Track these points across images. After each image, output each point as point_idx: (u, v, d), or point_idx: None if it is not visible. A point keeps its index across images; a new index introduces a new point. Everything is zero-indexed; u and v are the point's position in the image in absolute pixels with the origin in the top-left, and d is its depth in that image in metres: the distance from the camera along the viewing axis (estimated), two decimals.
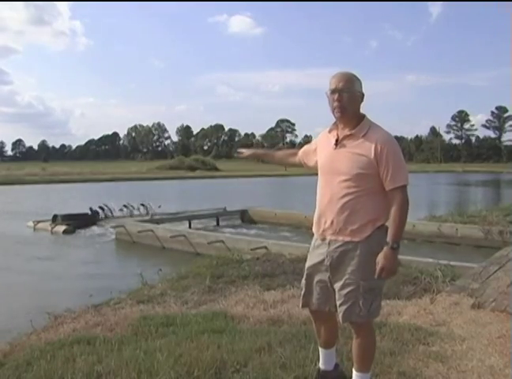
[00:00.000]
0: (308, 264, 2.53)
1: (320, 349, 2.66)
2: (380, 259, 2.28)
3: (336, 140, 2.43)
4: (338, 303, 2.37)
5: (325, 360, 2.64)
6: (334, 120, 2.48)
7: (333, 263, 2.38)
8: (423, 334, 3.54)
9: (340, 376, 2.65)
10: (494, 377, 2.86)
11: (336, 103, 2.38)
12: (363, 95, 2.43)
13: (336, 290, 2.38)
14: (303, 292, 2.55)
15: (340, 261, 2.37)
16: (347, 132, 2.40)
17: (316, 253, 2.48)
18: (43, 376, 2.93)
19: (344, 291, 2.35)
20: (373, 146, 2.31)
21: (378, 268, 2.27)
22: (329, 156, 2.45)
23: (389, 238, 2.28)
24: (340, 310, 2.37)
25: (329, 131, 2.51)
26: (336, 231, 2.38)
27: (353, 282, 2.33)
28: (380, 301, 2.44)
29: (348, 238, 2.36)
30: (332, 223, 2.39)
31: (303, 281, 2.55)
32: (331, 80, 2.40)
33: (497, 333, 3.55)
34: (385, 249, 2.28)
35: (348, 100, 2.36)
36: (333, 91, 2.38)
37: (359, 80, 2.43)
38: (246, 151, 2.98)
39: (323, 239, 2.44)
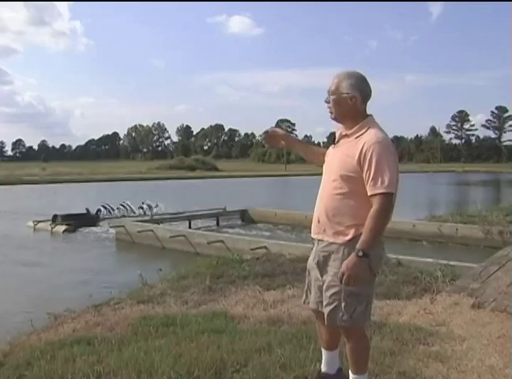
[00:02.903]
0: (308, 262, 2.54)
1: (322, 350, 2.64)
2: (343, 264, 2.22)
3: (334, 140, 2.44)
4: (324, 304, 2.35)
5: (327, 362, 2.60)
6: None
7: (320, 262, 2.38)
8: (423, 334, 3.53)
9: None
10: (494, 377, 2.86)
11: (326, 105, 2.41)
12: (353, 96, 2.31)
13: (324, 290, 2.37)
14: (305, 288, 2.57)
15: (325, 261, 2.36)
16: (344, 132, 2.40)
17: (312, 251, 2.50)
18: (43, 376, 2.93)
19: (328, 293, 2.33)
20: (359, 148, 2.25)
21: (340, 272, 2.22)
22: (328, 156, 2.48)
23: (358, 244, 2.19)
24: (325, 311, 2.34)
25: (337, 129, 2.51)
26: (321, 231, 2.38)
27: (336, 284, 2.29)
28: (366, 307, 2.33)
29: (331, 239, 2.33)
30: (318, 222, 2.39)
31: (306, 278, 2.57)
32: None
33: (497, 333, 3.55)
34: (351, 255, 2.20)
35: (333, 103, 2.37)
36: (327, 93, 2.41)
37: (351, 79, 2.33)
38: (279, 132, 2.70)
39: (313, 238, 2.46)
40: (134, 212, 15.59)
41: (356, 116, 2.36)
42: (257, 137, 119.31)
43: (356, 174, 2.26)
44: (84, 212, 14.94)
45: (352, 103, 2.34)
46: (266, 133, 2.68)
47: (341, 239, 2.30)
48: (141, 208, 15.92)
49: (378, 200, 2.20)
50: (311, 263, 2.47)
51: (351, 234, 2.29)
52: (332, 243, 2.33)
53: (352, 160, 2.27)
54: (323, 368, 2.62)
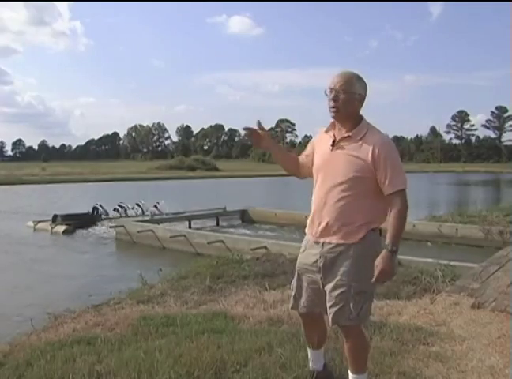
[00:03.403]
0: (299, 265, 2.51)
1: (309, 349, 2.67)
2: (378, 262, 2.23)
3: (333, 142, 2.39)
4: (328, 305, 2.34)
5: (315, 360, 2.66)
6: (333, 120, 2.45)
7: (326, 264, 2.36)
8: (423, 334, 3.53)
9: (330, 375, 2.68)
10: (494, 377, 2.86)
11: (331, 103, 2.36)
12: (362, 97, 2.36)
13: (328, 291, 2.35)
14: (293, 294, 2.54)
15: (332, 262, 2.34)
16: (344, 133, 2.37)
17: (308, 254, 2.45)
18: (43, 376, 2.92)
19: (335, 293, 2.32)
20: (370, 150, 2.27)
21: (376, 271, 2.23)
22: (325, 158, 2.41)
23: (387, 241, 2.24)
24: (330, 312, 2.34)
25: (326, 131, 2.47)
26: (330, 233, 2.36)
27: (345, 283, 2.30)
28: (370, 305, 2.40)
29: (341, 240, 2.33)
30: (326, 224, 2.36)
31: (294, 283, 2.54)
32: (332, 78, 2.37)
33: (497, 333, 3.55)
34: (383, 252, 2.24)
35: (342, 101, 2.32)
36: (330, 91, 2.35)
37: (361, 81, 2.37)
38: (262, 132, 2.52)
39: (316, 240, 2.41)
40: (108, 214, 15.17)
41: (356, 117, 2.39)
42: None
43: (368, 174, 2.28)
44: (84, 212, 14.90)
45: (357, 104, 2.37)
46: (248, 129, 2.50)
47: (353, 239, 2.32)
48: (116, 210, 15.49)
49: (397, 198, 2.27)
50: (309, 265, 2.43)
51: (362, 232, 2.31)
52: (341, 244, 2.33)
53: (361, 161, 2.28)
54: (313, 366, 2.67)
